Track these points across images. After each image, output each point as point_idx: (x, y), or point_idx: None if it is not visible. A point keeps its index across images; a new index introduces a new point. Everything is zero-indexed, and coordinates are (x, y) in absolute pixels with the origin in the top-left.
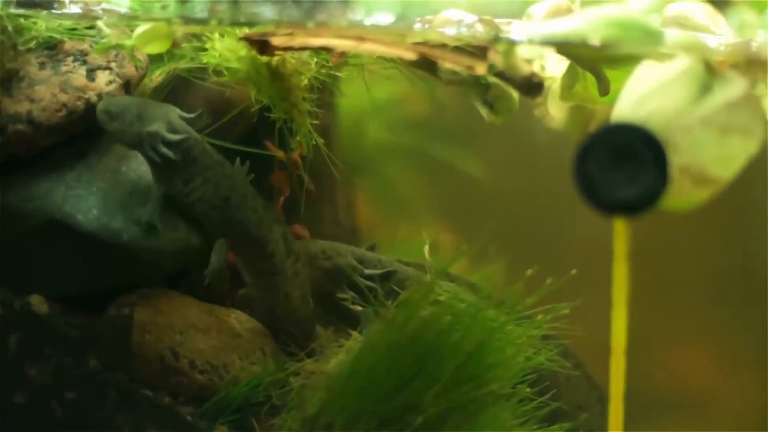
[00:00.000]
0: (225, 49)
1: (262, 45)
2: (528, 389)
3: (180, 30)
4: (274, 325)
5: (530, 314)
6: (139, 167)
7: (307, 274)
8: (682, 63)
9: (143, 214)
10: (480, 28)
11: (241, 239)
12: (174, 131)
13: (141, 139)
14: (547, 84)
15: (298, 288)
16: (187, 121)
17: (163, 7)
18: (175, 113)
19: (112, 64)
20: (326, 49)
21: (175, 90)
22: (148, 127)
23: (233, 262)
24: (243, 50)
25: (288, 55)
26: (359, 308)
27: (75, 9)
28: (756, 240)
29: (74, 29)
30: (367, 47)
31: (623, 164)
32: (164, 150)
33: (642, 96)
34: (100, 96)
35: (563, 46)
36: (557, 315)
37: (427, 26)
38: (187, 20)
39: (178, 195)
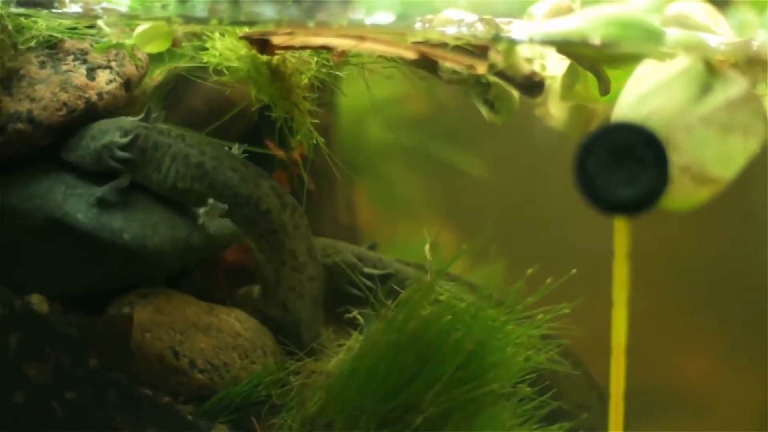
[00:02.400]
0: (225, 49)
1: (262, 44)
2: (528, 389)
3: (180, 29)
4: (282, 289)
5: (530, 314)
6: None
7: (307, 225)
8: (683, 62)
9: (98, 191)
10: (480, 28)
11: (233, 203)
12: (125, 133)
13: (99, 154)
14: (547, 83)
15: (303, 241)
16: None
17: (164, 6)
18: (124, 120)
19: (113, 63)
20: (327, 49)
21: (176, 89)
22: (102, 141)
23: (236, 261)
24: (243, 49)
25: (288, 54)
26: (362, 312)
27: (75, 8)
28: (756, 240)
29: (74, 28)
30: (368, 46)
31: (624, 163)
32: (122, 154)
33: (642, 95)
34: (100, 95)
35: (564, 46)
36: (557, 314)
37: (427, 25)
38: (188, 19)
39: (158, 186)
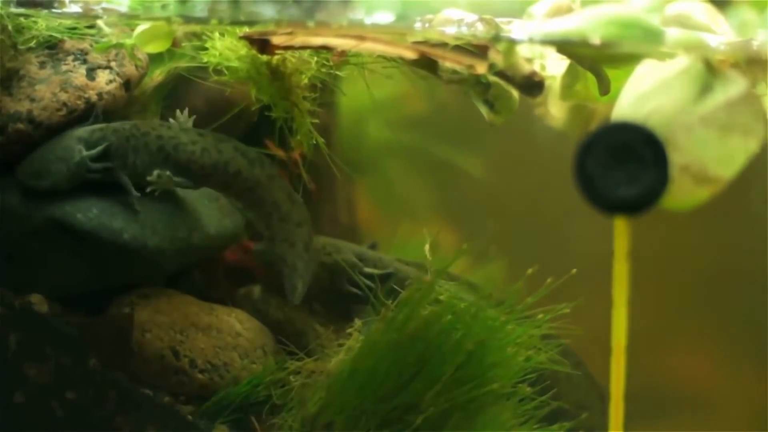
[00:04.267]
0: (225, 48)
1: (262, 44)
2: (528, 388)
3: (180, 29)
4: (278, 241)
5: (530, 314)
6: None
7: (278, 173)
8: (683, 62)
9: (130, 205)
10: (480, 27)
11: (202, 174)
12: (90, 145)
13: (75, 174)
14: (547, 83)
15: (281, 190)
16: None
17: (164, 6)
18: (79, 130)
19: (113, 63)
20: (326, 48)
21: (176, 89)
22: (74, 160)
23: (235, 261)
24: (243, 49)
25: (288, 54)
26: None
27: (75, 8)
28: (756, 240)
29: (74, 28)
30: (368, 46)
31: (623, 163)
32: (97, 166)
33: (642, 95)
34: (100, 95)
35: (564, 45)
36: (557, 314)
37: (427, 25)
38: (188, 19)
39: (134, 177)
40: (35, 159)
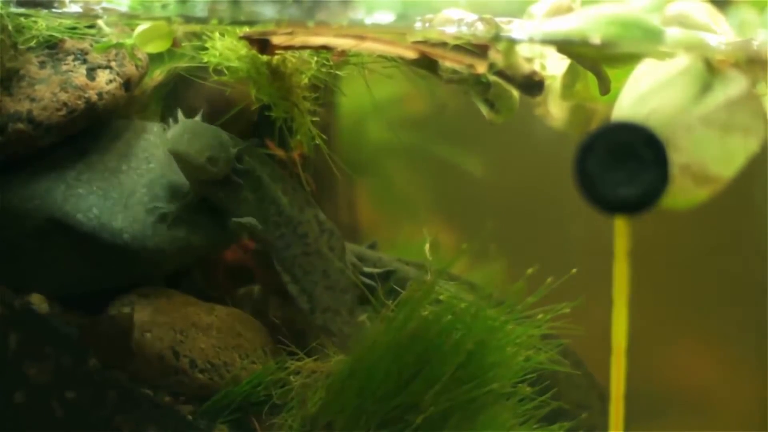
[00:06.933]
0: (225, 48)
1: (262, 44)
2: (528, 388)
3: (180, 29)
4: (318, 313)
5: (530, 314)
6: (139, 166)
7: (342, 246)
8: (683, 62)
9: (169, 207)
10: (480, 27)
11: (274, 222)
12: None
13: (225, 160)
14: (547, 83)
15: (336, 260)
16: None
17: (164, 6)
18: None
19: (113, 63)
20: (327, 48)
21: (176, 89)
22: (229, 152)
23: (236, 261)
24: (243, 49)
25: (288, 54)
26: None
27: (75, 8)
28: (756, 240)
29: (74, 28)
30: (368, 46)
31: (624, 163)
32: (241, 166)
33: (642, 95)
34: (100, 95)
35: (564, 45)
36: (557, 314)
37: (427, 25)
38: (188, 19)
39: (226, 196)
40: (189, 125)
